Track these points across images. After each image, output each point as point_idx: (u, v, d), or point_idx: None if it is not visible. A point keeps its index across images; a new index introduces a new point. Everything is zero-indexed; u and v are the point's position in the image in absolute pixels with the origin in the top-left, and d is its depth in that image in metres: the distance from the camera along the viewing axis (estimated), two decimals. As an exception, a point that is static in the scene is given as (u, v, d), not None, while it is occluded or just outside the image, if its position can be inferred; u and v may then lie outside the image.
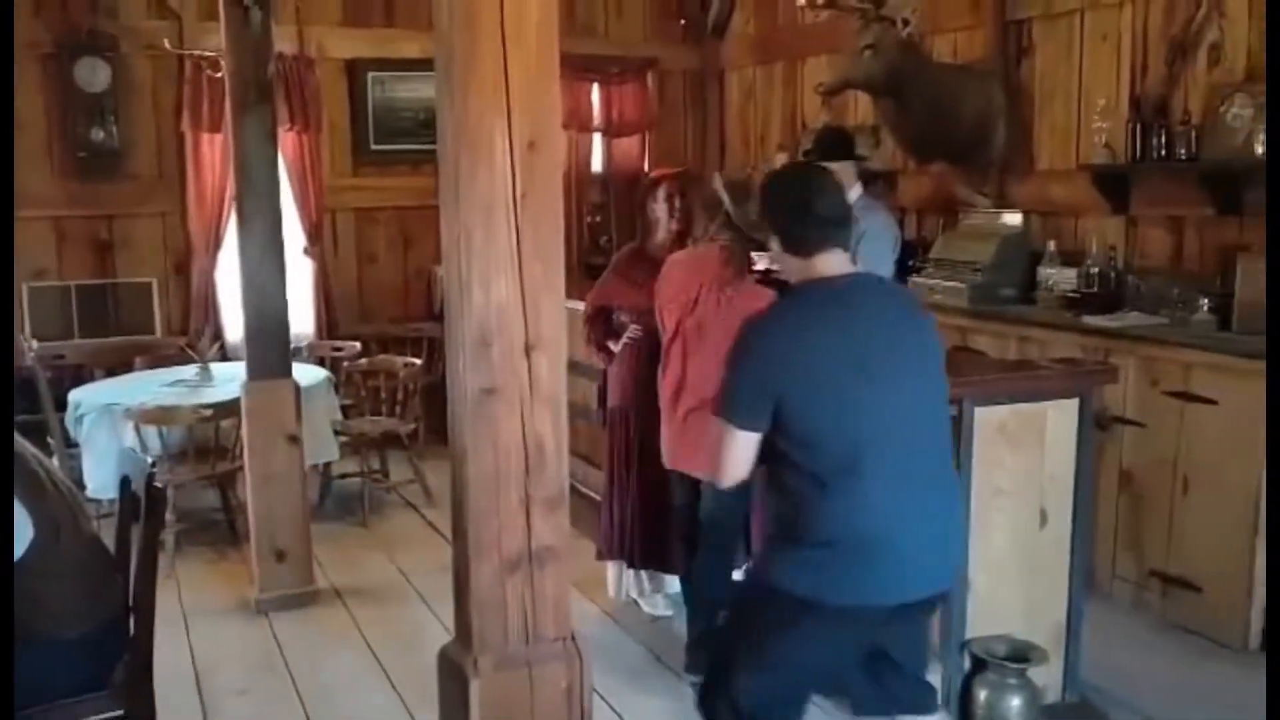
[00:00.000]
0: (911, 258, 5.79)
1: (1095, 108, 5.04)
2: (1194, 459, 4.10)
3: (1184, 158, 4.63)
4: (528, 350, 2.02)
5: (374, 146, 7.09)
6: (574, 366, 5.66)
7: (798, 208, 2.55)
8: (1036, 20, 5.41)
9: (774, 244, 2.60)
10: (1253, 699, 3.60)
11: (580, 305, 5.20)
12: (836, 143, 4.73)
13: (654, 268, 3.88)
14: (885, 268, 4.58)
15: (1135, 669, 3.85)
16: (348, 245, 7.14)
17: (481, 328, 1.98)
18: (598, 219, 7.52)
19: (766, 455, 2.47)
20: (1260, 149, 4.30)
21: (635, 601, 4.41)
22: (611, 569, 4.40)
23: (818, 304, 2.50)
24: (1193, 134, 4.60)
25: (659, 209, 4.14)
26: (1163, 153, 4.71)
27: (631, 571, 4.35)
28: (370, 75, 7.02)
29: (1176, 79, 4.76)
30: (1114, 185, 4.98)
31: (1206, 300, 4.42)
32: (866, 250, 4.50)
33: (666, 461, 3.81)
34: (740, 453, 2.45)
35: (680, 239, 4.07)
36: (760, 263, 3.68)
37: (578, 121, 7.44)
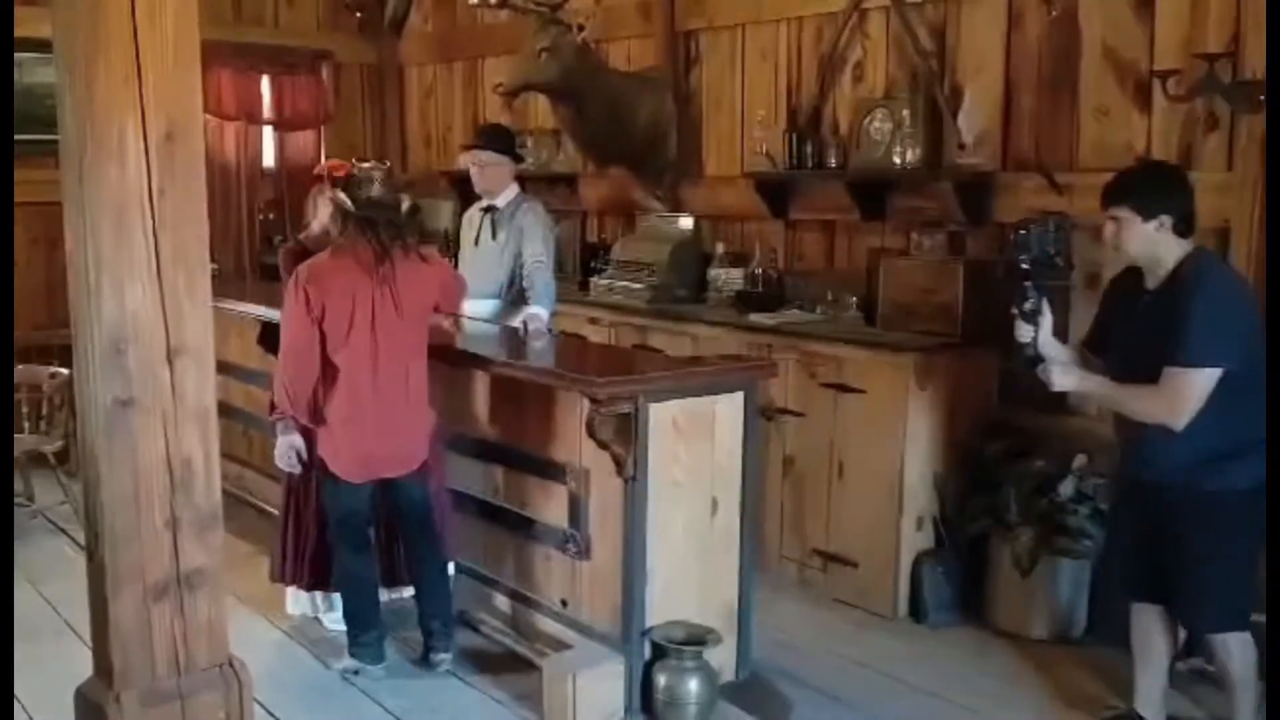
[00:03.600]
0: (594, 259, 5.92)
1: (756, 118, 5.35)
2: (847, 445, 4.43)
3: (834, 167, 5.01)
4: (170, 358, 1.87)
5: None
6: (243, 372, 5.39)
7: (1189, 195, 3.10)
8: (703, 32, 5.68)
9: (1155, 229, 3.04)
10: (902, 662, 3.97)
11: (246, 308, 4.94)
12: (501, 135, 4.82)
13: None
14: (547, 258, 4.69)
15: (801, 642, 4.11)
16: (-20, 244, 6.39)
17: (114, 333, 1.81)
18: (270, 216, 7.16)
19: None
20: (898, 160, 4.71)
21: (315, 618, 4.23)
22: (290, 588, 4.20)
23: (1221, 264, 3.18)
24: (841, 145, 4.99)
25: (324, 203, 3.98)
26: (816, 162, 5.07)
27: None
28: (4, 56, 6.32)
29: (826, 94, 5.14)
30: (774, 192, 5.31)
31: (855, 299, 4.81)
32: (528, 241, 4.59)
33: (358, 474, 3.68)
34: (1206, 391, 2.97)
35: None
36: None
37: (246, 113, 7.07)
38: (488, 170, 4.66)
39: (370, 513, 3.82)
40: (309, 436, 3.77)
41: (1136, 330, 3.14)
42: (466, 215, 4.94)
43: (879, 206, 4.96)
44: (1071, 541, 4.03)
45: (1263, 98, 3.71)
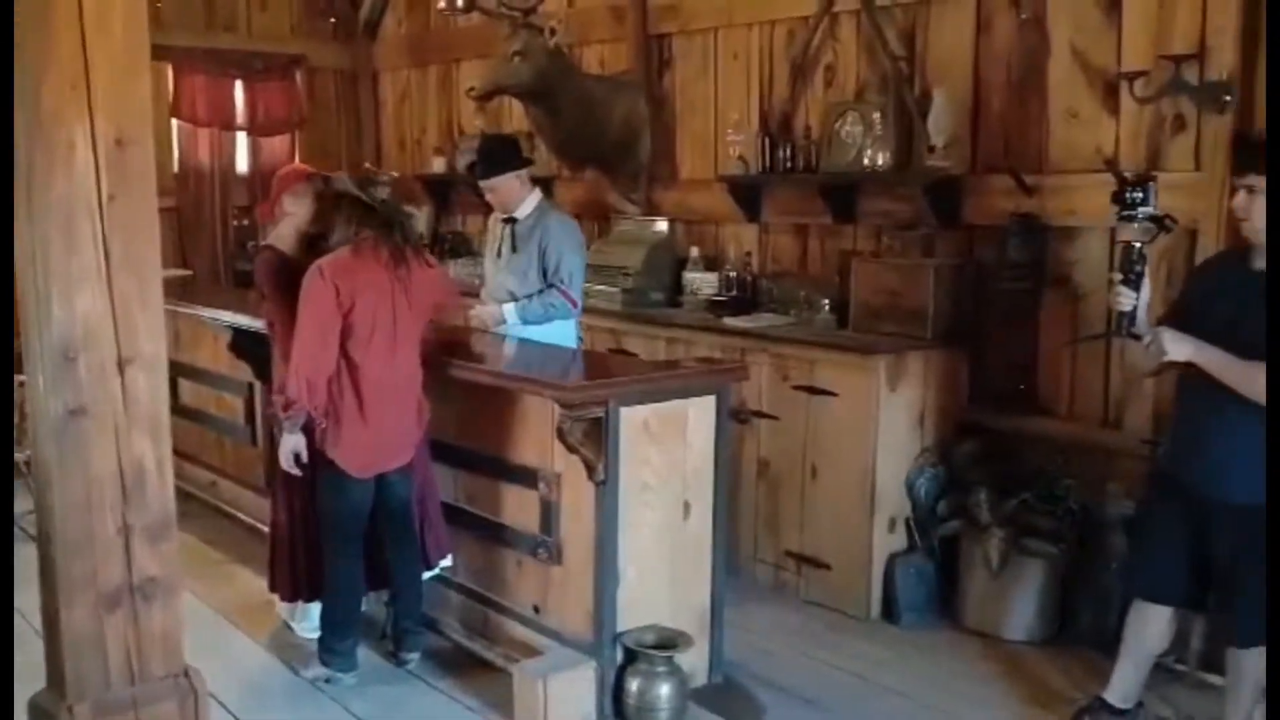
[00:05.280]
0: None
1: (729, 122, 5.35)
2: (820, 447, 4.43)
3: (806, 170, 5.01)
4: (121, 366, 1.85)
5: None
6: (215, 379, 5.36)
7: None
8: (676, 36, 5.68)
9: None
10: (874, 663, 3.97)
11: (219, 314, 4.90)
12: (499, 154, 4.58)
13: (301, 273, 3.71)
14: (578, 270, 4.57)
15: (775, 645, 4.11)
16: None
17: (64, 342, 1.80)
18: (244, 222, 7.13)
19: None
20: (869, 162, 4.72)
21: (287, 625, 4.20)
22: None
23: None
24: (813, 148, 4.99)
25: (302, 205, 3.96)
26: (788, 165, 5.07)
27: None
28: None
29: (798, 97, 5.15)
30: (747, 195, 5.31)
31: (827, 301, 4.82)
32: (551, 261, 4.48)
33: (367, 469, 3.69)
34: None
35: (310, 243, 3.92)
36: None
37: (219, 119, 7.05)
38: (498, 193, 4.52)
39: (369, 512, 3.80)
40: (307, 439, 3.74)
41: (1242, 309, 3.00)
42: (490, 222, 4.81)
43: (850, 209, 4.97)
44: (1042, 543, 4.05)
45: (1228, 98, 3.74)
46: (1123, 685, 3.35)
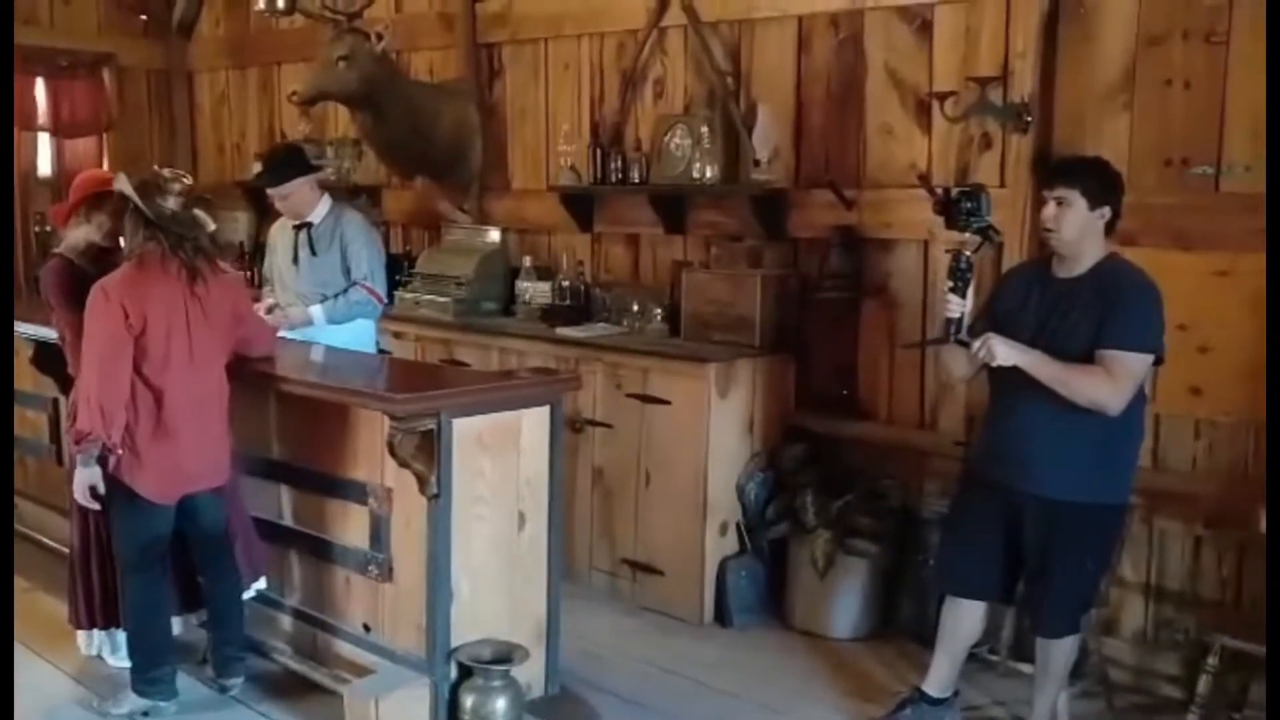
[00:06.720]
0: (398, 271, 5.81)
1: (560, 132, 5.36)
2: (653, 454, 4.49)
3: (637, 182, 5.07)
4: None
5: None
6: (17, 395, 5.03)
7: (1123, 199, 3.20)
8: (505, 45, 5.65)
9: (1096, 218, 3.15)
10: (707, 666, 4.05)
11: (20, 327, 4.60)
12: (288, 161, 4.62)
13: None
14: (379, 266, 4.60)
15: (611, 652, 4.14)
16: None
17: None
18: (48, 228, 6.71)
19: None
20: (698, 175, 4.81)
21: (99, 657, 3.98)
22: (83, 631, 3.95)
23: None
24: (644, 160, 5.06)
25: (96, 215, 3.76)
26: (619, 176, 5.12)
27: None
28: None
29: (628, 109, 5.20)
30: (580, 205, 5.34)
31: (660, 311, 4.89)
32: (354, 259, 4.50)
33: (170, 495, 3.51)
34: (1142, 375, 3.14)
35: (98, 255, 3.74)
36: None
37: (21, 119, 6.63)
38: (290, 200, 4.54)
39: (170, 537, 3.63)
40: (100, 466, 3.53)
41: (1048, 315, 3.18)
42: (277, 229, 4.76)
43: (681, 220, 5.05)
44: (865, 542, 4.20)
45: (1028, 118, 3.98)
46: (939, 676, 3.51)
